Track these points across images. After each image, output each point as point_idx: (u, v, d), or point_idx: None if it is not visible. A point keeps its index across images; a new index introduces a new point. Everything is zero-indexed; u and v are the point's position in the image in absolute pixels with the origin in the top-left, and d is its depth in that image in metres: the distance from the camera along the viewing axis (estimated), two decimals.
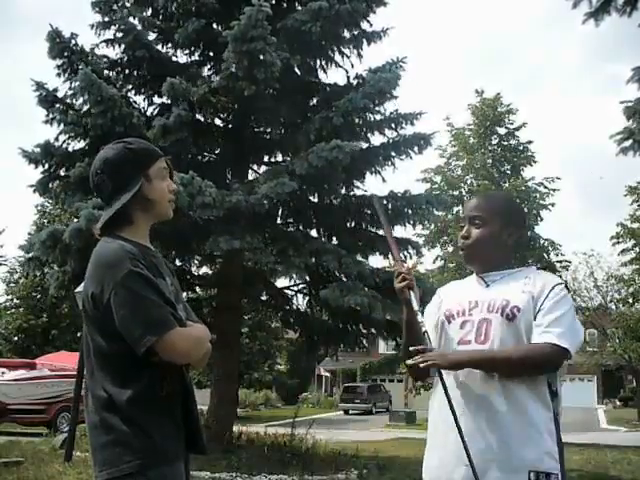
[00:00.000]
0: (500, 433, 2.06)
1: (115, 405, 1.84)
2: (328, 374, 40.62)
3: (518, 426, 2.06)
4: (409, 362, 2.17)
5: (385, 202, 10.07)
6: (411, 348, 2.16)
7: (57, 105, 9.71)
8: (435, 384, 2.24)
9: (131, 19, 10.15)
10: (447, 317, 2.27)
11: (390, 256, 2.43)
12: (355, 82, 10.62)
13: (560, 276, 21.36)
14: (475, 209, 2.27)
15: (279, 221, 10.53)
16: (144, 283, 1.84)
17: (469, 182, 22.09)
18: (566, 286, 2.23)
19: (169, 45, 10.65)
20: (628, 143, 7.89)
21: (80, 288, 9.26)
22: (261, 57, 8.56)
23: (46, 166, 9.81)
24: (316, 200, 10.34)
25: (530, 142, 22.55)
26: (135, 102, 10.47)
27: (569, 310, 2.14)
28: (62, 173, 9.87)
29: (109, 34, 10.18)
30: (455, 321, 2.24)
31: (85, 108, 9.57)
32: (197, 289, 12.15)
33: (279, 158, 10.83)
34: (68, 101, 9.83)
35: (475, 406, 2.10)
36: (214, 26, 10.23)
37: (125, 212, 1.99)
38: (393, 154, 10.29)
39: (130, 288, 1.82)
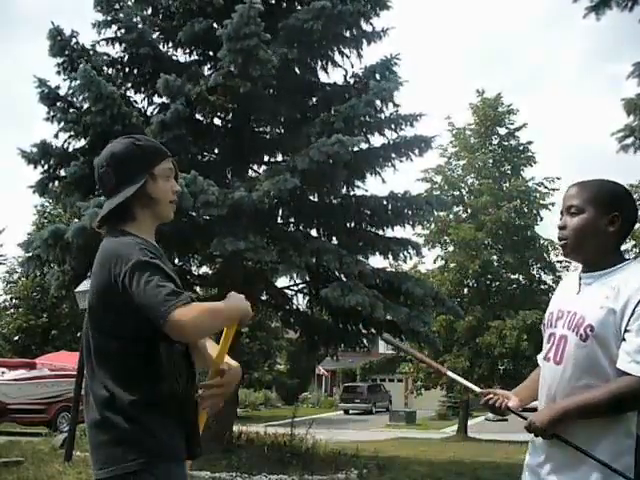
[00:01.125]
0: (563, 454, 1.97)
1: (117, 404, 1.83)
2: (326, 373, 40.60)
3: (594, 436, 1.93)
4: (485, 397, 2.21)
5: (385, 202, 10.07)
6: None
7: (58, 103, 9.71)
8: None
9: (132, 18, 10.14)
10: (544, 324, 2.18)
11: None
12: (352, 81, 10.64)
13: (560, 277, 21.39)
14: (570, 198, 2.09)
15: (280, 221, 10.52)
16: (155, 268, 1.82)
17: (469, 182, 22.07)
18: None
19: (169, 44, 10.65)
20: (629, 140, 7.89)
21: (81, 287, 9.28)
22: (255, 54, 8.55)
23: (45, 166, 9.80)
24: (316, 200, 10.33)
25: (530, 142, 22.54)
26: (135, 101, 10.48)
27: None
28: (61, 173, 9.86)
29: (110, 32, 10.19)
30: (545, 332, 2.15)
31: (85, 106, 9.56)
32: (197, 289, 12.14)
33: (279, 158, 10.82)
34: (69, 99, 9.83)
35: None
36: (214, 25, 10.22)
37: (128, 208, 1.97)
38: (393, 155, 10.28)
39: (143, 271, 1.80)
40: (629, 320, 1.89)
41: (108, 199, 2.02)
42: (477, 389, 2.34)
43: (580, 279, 2.09)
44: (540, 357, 2.15)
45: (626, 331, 1.90)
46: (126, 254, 1.84)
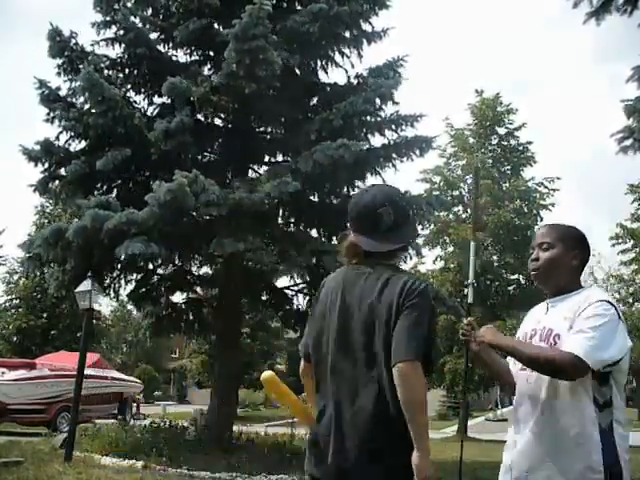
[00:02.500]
0: (544, 449, 2.28)
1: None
2: None
3: (561, 443, 2.24)
4: (463, 324, 2.67)
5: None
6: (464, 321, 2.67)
7: (58, 104, 9.71)
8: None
9: (132, 18, 10.15)
10: None
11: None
12: (355, 82, 10.64)
13: None
14: (542, 236, 2.51)
15: (280, 221, 10.53)
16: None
17: (469, 182, 22.06)
18: (610, 302, 2.31)
19: (170, 45, 10.65)
20: (629, 142, 7.87)
21: (81, 288, 9.25)
22: (262, 55, 8.56)
23: (46, 165, 9.80)
24: (317, 200, 10.34)
25: (530, 142, 22.53)
26: (135, 102, 10.48)
27: (602, 325, 2.22)
28: (62, 173, 9.86)
29: (110, 33, 10.20)
30: None
31: (86, 107, 9.57)
32: (197, 289, 12.15)
33: (279, 158, 10.83)
34: (69, 100, 9.83)
35: (531, 421, 2.33)
36: (215, 26, 10.23)
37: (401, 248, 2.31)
38: (394, 155, 10.29)
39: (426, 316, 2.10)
40: (579, 315, 2.28)
41: (374, 234, 2.23)
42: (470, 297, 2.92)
43: (548, 304, 2.50)
44: (517, 369, 2.47)
45: (571, 328, 2.28)
46: (425, 292, 2.14)
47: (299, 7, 10.31)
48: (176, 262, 10.83)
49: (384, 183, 2.66)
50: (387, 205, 2.21)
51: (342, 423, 2.12)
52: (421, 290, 2.11)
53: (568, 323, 2.29)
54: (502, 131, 22.65)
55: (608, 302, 2.30)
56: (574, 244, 2.48)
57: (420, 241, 17.77)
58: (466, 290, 2.97)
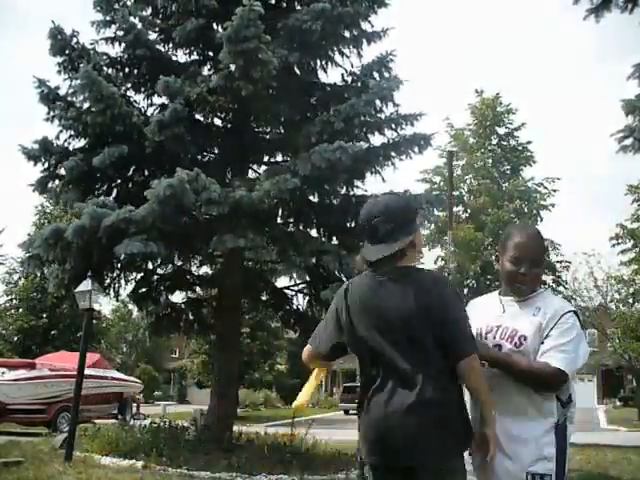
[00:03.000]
0: (507, 439, 2.44)
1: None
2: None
3: (521, 433, 2.44)
4: None
5: None
6: None
7: (58, 103, 9.71)
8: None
9: (131, 18, 10.14)
10: None
11: None
12: (350, 80, 10.64)
13: (559, 277, 21.42)
14: (532, 252, 2.60)
15: (279, 221, 10.52)
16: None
17: (469, 182, 22.07)
18: (576, 313, 2.53)
19: (169, 45, 10.64)
20: (628, 141, 7.88)
21: (81, 287, 9.25)
22: (256, 57, 8.55)
23: (45, 164, 9.79)
24: (316, 200, 10.33)
25: (529, 142, 22.54)
26: (135, 101, 10.47)
27: (574, 338, 2.45)
28: (61, 172, 9.85)
29: (109, 32, 10.19)
30: None
31: (85, 106, 9.56)
32: (197, 289, 12.14)
33: (279, 158, 10.83)
34: (69, 99, 9.83)
35: (497, 412, 2.45)
36: (213, 26, 10.22)
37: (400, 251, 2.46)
38: (393, 154, 10.27)
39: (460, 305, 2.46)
40: (551, 329, 2.44)
41: (376, 243, 2.47)
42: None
43: (501, 301, 2.63)
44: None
45: (547, 336, 2.44)
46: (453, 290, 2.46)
47: (299, 7, 10.30)
48: (176, 262, 10.81)
49: (385, 193, 2.79)
50: (379, 216, 2.43)
51: (408, 409, 2.30)
52: (445, 283, 2.51)
53: (534, 327, 2.46)
54: (502, 131, 22.68)
55: (574, 313, 2.52)
56: (544, 258, 2.74)
57: None
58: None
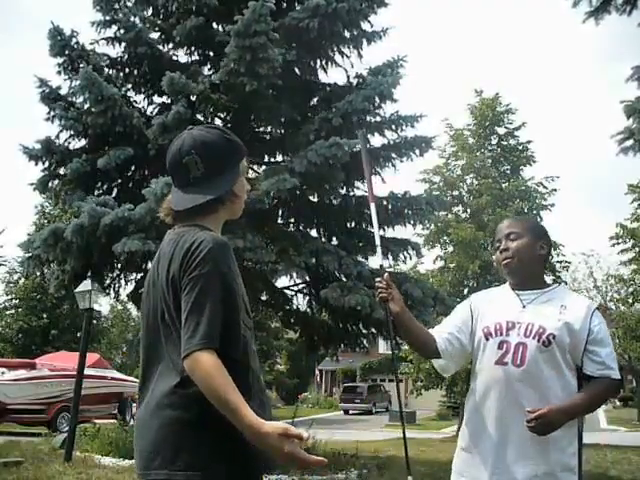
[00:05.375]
0: (524, 451, 2.30)
1: None
2: (319, 372, 40.61)
3: (546, 445, 2.29)
4: (377, 282, 2.52)
5: (385, 202, 10.07)
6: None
7: (59, 102, 9.71)
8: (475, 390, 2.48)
9: (132, 18, 10.15)
10: (485, 335, 2.45)
11: (371, 204, 2.85)
12: (355, 82, 10.63)
13: (559, 276, 21.41)
14: (509, 227, 2.52)
15: (279, 221, 10.53)
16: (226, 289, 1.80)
17: (469, 182, 22.06)
18: (598, 308, 2.45)
19: (170, 45, 10.65)
20: (629, 143, 7.86)
21: (81, 288, 9.29)
22: (263, 53, 8.55)
23: (46, 164, 9.81)
24: (316, 200, 10.33)
25: (529, 142, 22.51)
26: (135, 101, 10.48)
27: (609, 339, 2.40)
28: (62, 172, 9.87)
29: (110, 32, 10.19)
30: (493, 339, 2.43)
31: (85, 106, 9.57)
32: None
33: (279, 158, 10.82)
34: (69, 99, 9.83)
35: (517, 420, 2.30)
36: (214, 25, 10.23)
37: (219, 199, 1.93)
38: (394, 155, 10.29)
39: (215, 285, 1.75)
40: (587, 336, 2.33)
41: (187, 188, 1.92)
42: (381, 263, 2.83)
43: (519, 297, 2.47)
44: (491, 362, 2.40)
45: (587, 343, 2.33)
46: (211, 256, 1.76)
47: (298, 7, 10.30)
48: None
49: (206, 126, 2.08)
50: (193, 153, 1.88)
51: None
52: (205, 254, 1.76)
53: (564, 326, 2.33)
54: (502, 131, 22.64)
55: (598, 310, 2.44)
56: (540, 234, 2.52)
57: (420, 241, 17.78)
58: (377, 250, 2.98)
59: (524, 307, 2.43)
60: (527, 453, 2.28)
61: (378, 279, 2.50)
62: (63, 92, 9.90)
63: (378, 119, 10.22)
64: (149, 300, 1.89)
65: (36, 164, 9.72)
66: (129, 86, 10.55)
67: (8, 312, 25.81)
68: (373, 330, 10.57)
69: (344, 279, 9.50)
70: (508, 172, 22.25)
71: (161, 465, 1.72)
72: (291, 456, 1.66)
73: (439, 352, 2.49)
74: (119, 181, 10.25)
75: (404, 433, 2.90)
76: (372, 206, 2.82)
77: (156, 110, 10.47)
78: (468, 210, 21.48)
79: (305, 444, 1.68)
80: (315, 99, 10.78)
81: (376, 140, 10.42)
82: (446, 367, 2.58)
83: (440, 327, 2.59)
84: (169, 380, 1.76)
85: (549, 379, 2.31)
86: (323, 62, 10.76)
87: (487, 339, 2.43)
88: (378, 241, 2.91)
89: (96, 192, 9.91)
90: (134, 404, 20.51)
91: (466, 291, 21.24)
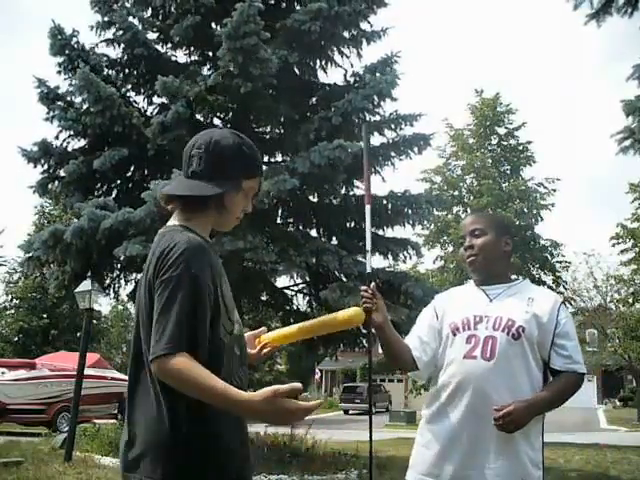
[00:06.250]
0: (495, 446, 2.27)
1: None
2: (318, 372, 40.59)
3: (516, 440, 2.27)
4: (362, 290, 2.51)
5: (385, 202, 10.07)
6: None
7: (58, 103, 9.71)
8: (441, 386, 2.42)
9: (130, 18, 10.15)
10: (452, 330, 2.43)
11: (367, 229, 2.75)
12: (352, 80, 10.64)
13: (560, 277, 21.41)
14: (472, 223, 2.51)
15: (279, 221, 10.52)
16: (199, 297, 1.72)
17: (469, 182, 22.08)
18: (565, 304, 2.49)
19: (168, 45, 10.65)
20: (628, 142, 7.87)
21: (81, 288, 9.28)
22: (255, 54, 8.54)
23: (45, 166, 9.80)
24: (316, 200, 10.33)
25: (530, 142, 22.54)
26: (135, 101, 10.48)
27: (575, 336, 2.40)
28: (61, 173, 9.86)
29: (109, 34, 10.20)
30: (461, 335, 2.40)
31: (84, 107, 9.57)
32: None
33: (278, 158, 10.82)
34: (68, 99, 9.83)
35: (480, 422, 2.28)
36: (212, 25, 10.22)
37: (206, 200, 1.86)
38: (393, 154, 10.29)
39: (185, 288, 1.68)
40: (555, 329, 2.33)
41: (184, 179, 1.91)
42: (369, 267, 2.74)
43: (484, 292, 2.45)
44: (459, 356, 2.36)
45: (555, 336, 2.32)
46: (184, 258, 1.70)
47: (298, 7, 10.30)
48: None
49: (233, 131, 1.97)
50: (203, 149, 1.86)
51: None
52: (177, 257, 1.70)
53: (532, 318, 2.32)
54: (502, 131, 22.67)
55: (564, 304, 2.45)
56: (504, 230, 2.53)
57: (420, 241, 17.78)
58: (367, 256, 2.82)
59: (491, 301, 2.42)
60: (498, 448, 2.24)
61: (364, 287, 2.45)
62: (62, 92, 9.90)
63: (377, 118, 10.22)
64: (137, 300, 1.88)
65: (35, 166, 9.73)
66: (129, 86, 10.55)
67: (8, 312, 25.80)
68: (373, 330, 10.53)
69: (344, 279, 9.49)
70: (508, 172, 22.27)
71: (141, 472, 1.73)
72: (290, 413, 1.63)
73: (415, 362, 2.46)
74: (118, 182, 10.25)
75: (370, 436, 2.90)
76: (367, 208, 2.67)
77: (156, 110, 10.47)
78: (468, 210, 21.49)
79: (298, 392, 1.64)
80: (314, 99, 10.78)
81: (375, 139, 10.42)
82: (419, 374, 2.54)
83: (411, 336, 2.58)
84: (151, 383, 1.77)
85: (518, 372, 2.29)
86: (323, 62, 10.76)
87: (454, 334, 2.41)
88: (369, 246, 2.75)
89: (96, 193, 9.91)
90: None
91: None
